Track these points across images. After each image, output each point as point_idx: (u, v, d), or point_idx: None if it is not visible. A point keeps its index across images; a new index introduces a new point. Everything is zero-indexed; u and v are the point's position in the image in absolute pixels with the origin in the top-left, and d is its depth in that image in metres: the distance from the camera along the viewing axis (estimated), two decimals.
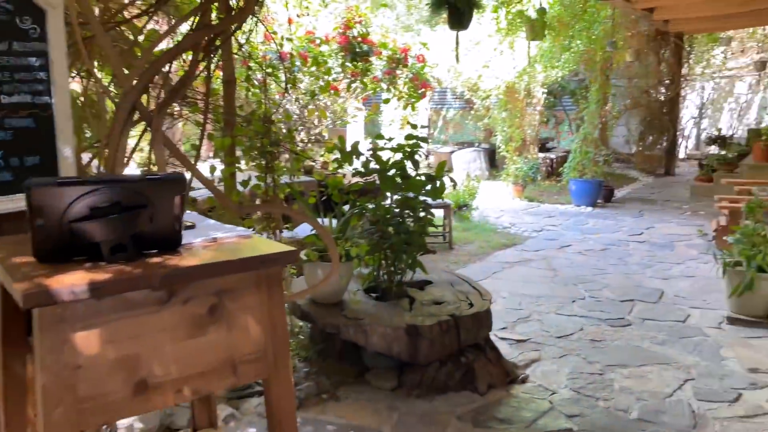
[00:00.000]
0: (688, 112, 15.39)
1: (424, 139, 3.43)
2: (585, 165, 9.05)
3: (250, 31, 4.15)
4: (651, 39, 11.47)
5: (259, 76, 4.43)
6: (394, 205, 3.50)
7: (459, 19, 4.69)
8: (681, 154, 15.09)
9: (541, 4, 7.28)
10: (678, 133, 13.47)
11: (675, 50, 12.03)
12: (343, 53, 6.14)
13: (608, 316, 4.42)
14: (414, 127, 3.83)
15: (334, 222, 3.55)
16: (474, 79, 10.31)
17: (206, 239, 1.70)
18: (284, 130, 3.78)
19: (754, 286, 3.99)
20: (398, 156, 3.52)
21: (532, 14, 6.89)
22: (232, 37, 3.39)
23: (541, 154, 11.63)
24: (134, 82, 2.47)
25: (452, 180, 3.64)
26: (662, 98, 12.50)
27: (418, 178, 3.58)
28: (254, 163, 3.20)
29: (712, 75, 14.85)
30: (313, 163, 5.97)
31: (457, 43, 5.52)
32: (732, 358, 3.61)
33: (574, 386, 3.26)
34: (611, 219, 8.23)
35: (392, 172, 3.52)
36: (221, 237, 1.72)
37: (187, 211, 2.01)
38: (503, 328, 4.11)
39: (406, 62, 6.51)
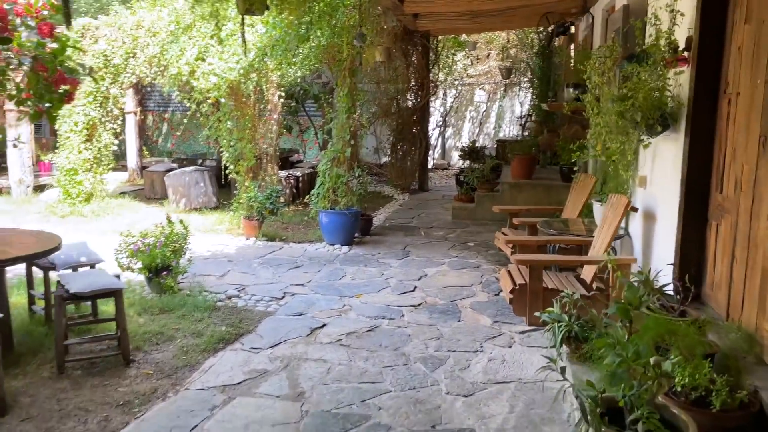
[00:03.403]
0: (433, 119, 14.73)
1: None
2: (338, 192, 7.00)
3: None
4: (399, 38, 10.05)
5: None
6: None
7: None
8: (429, 163, 14.37)
9: None
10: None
11: (423, 53, 10.87)
12: None
13: None
14: None
15: None
16: (185, 75, 7.54)
17: None
18: None
19: None
20: None
21: None
22: None
23: (283, 173, 9.37)
24: None
25: None
26: (411, 106, 11.28)
27: None
28: None
29: (454, 82, 14.38)
30: None
31: None
32: None
33: None
34: (373, 264, 6.29)
35: None
36: None
37: None
38: None
39: (7, 34, 3.49)
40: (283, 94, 8.40)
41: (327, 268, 6.13)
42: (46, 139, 12.55)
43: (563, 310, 3.91)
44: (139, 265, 5.04)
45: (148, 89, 14.52)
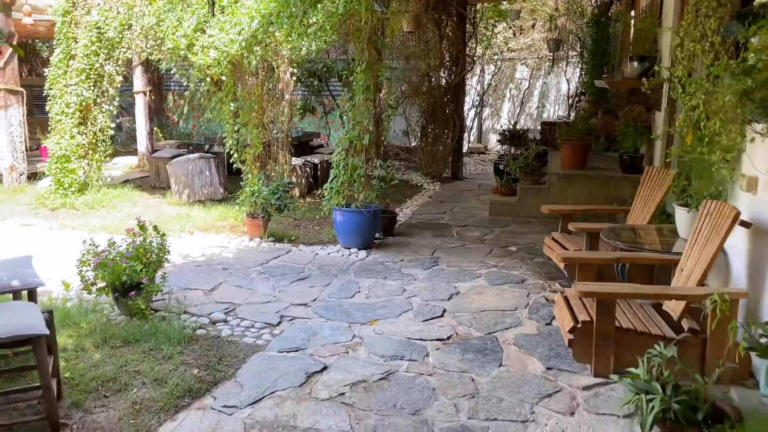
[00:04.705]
0: (468, 99, 13.45)
1: None
2: (354, 187, 5.94)
3: None
4: (431, 6, 8.83)
5: None
6: None
7: None
8: (463, 148, 13.16)
9: None
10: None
11: (458, 24, 9.62)
12: None
13: None
14: None
15: None
16: (183, 48, 6.54)
17: None
18: None
19: None
20: None
21: None
22: None
23: (299, 160, 8.33)
24: None
25: None
26: (445, 83, 10.08)
27: None
28: None
29: (493, 57, 13.06)
30: None
31: None
32: None
33: None
34: (394, 276, 5.23)
35: None
36: None
37: None
38: None
39: None
40: (295, 71, 7.32)
41: (338, 281, 5.09)
42: None
43: (650, 372, 2.79)
44: (102, 284, 4.09)
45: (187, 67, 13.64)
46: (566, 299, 3.81)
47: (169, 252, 4.44)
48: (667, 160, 3.85)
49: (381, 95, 10.07)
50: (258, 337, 3.99)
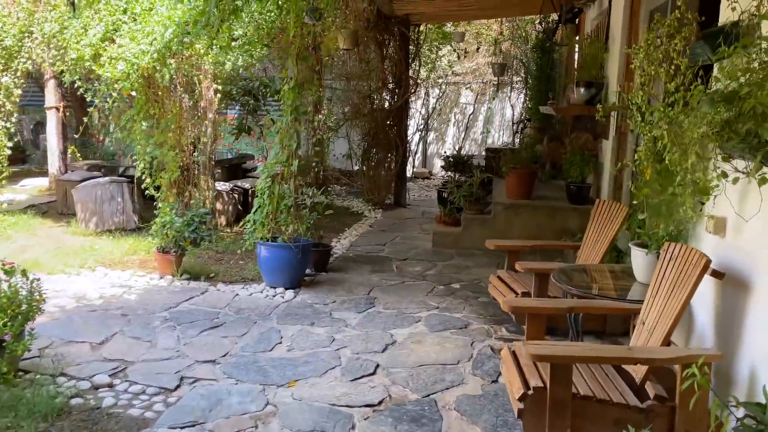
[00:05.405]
0: (413, 123, 13.05)
1: None
2: (281, 218, 5.30)
3: None
4: (372, 25, 8.37)
5: None
6: None
7: None
8: (407, 173, 12.71)
9: None
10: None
11: (401, 44, 9.20)
12: None
13: None
14: None
15: None
16: (88, 60, 5.78)
17: None
18: None
19: None
20: None
21: None
22: None
23: (226, 185, 7.60)
24: None
25: None
26: (387, 106, 9.62)
27: None
28: None
29: (437, 80, 12.73)
30: None
31: None
32: None
33: None
34: (323, 322, 4.59)
35: None
36: None
37: None
38: None
39: None
40: (220, 87, 6.64)
41: (257, 329, 4.41)
42: None
43: None
44: None
45: (93, 80, 12.65)
46: (515, 355, 3.28)
47: (44, 300, 3.67)
48: (634, 201, 3.38)
49: (320, 116, 9.54)
50: (147, 407, 3.27)
